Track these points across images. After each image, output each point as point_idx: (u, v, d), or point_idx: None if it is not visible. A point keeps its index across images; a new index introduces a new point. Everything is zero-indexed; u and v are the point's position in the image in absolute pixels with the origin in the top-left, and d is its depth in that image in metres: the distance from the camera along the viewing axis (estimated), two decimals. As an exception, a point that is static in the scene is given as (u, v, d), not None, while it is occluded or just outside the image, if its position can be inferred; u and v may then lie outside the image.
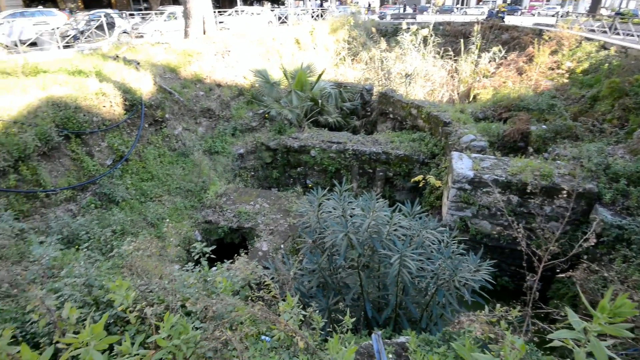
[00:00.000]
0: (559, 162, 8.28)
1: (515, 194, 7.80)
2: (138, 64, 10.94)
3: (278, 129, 12.37)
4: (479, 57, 17.73)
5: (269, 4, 30.16)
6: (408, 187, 11.19)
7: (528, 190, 7.50)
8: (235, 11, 21.24)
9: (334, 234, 4.28)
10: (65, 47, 13.92)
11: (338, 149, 11.42)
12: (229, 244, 8.62)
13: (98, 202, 7.88)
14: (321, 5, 31.72)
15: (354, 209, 4.70)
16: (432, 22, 21.12)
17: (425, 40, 18.43)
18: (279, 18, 22.25)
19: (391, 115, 13.95)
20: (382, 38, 21.42)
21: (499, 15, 22.75)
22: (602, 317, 1.02)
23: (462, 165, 8.20)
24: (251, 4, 28.39)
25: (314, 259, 4.66)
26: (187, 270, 3.84)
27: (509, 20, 23.28)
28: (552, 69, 14.70)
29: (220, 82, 13.31)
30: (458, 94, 17.12)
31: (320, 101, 13.72)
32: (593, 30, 16.99)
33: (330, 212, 4.77)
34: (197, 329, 2.05)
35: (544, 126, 10.63)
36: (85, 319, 2.73)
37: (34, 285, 3.12)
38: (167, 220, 8.01)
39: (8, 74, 8.85)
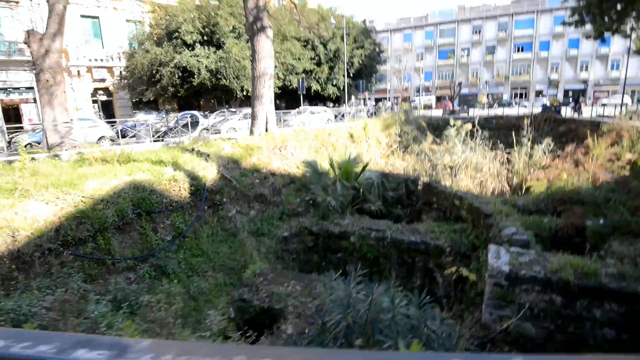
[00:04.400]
0: (609, 260, 7.63)
1: (558, 293, 7.22)
2: (208, 156, 12.95)
3: (322, 215, 13.12)
4: (532, 149, 17.63)
5: (331, 103, 33.90)
6: (449, 280, 10.75)
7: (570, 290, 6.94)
8: (298, 111, 24.28)
9: (335, 317, 4.53)
10: (155, 140, 17.00)
11: (377, 236, 11.65)
12: (260, 324, 8.87)
13: (153, 272, 8.92)
14: (376, 103, 34.96)
15: (364, 294, 4.93)
16: (477, 117, 21.88)
17: (472, 133, 19.02)
18: (336, 116, 24.79)
19: (435, 206, 14.06)
20: (431, 132, 22.50)
21: (555, 109, 22.84)
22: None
23: (499, 259, 7.94)
24: (315, 104, 32.20)
25: (319, 339, 4.85)
26: None
27: (566, 113, 23.13)
28: (612, 161, 14.05)
29: (274, 171, 14.91)
30: (510, 185, 16.79)
31: (362, 190, 14.46)
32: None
33: (340, 296, 5.05)
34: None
35: (601, 221, 9.95)
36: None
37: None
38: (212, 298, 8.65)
39: (107, 162, 11.15)
